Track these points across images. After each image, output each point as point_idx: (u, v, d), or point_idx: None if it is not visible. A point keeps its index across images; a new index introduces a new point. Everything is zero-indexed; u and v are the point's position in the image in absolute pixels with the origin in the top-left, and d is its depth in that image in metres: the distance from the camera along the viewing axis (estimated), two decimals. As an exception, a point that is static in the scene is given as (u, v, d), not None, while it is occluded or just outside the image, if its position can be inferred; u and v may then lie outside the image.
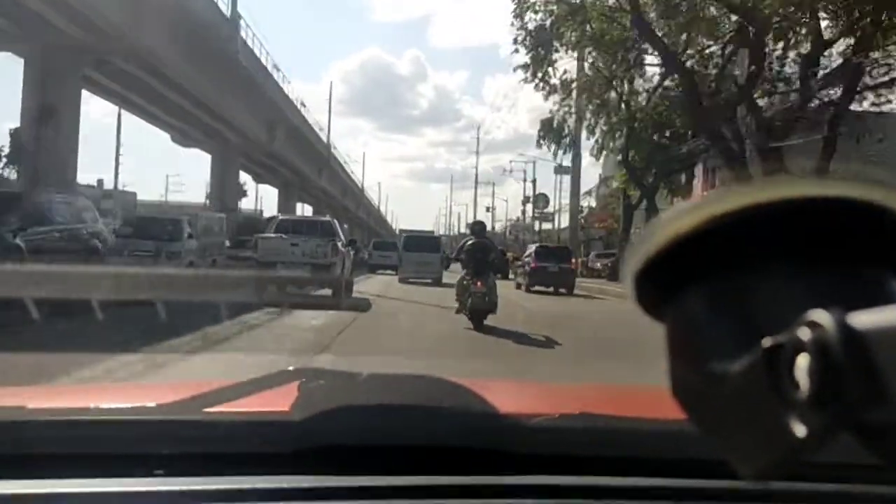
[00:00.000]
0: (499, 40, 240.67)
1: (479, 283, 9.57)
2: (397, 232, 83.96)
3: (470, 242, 10.43)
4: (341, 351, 6.98)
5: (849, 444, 0.33)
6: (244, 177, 44.37)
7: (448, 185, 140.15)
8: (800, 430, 0.32)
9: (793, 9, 14.75)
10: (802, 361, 0.32)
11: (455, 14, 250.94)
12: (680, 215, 0.38)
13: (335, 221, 16.50)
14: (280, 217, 17.72)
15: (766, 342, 0.33)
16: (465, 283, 9.87)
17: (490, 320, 9.59)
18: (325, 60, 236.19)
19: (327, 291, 13.53)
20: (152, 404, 0.94)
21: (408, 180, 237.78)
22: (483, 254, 10.11)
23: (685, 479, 0.85)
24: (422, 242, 26.10)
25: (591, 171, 55.32)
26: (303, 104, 41.84)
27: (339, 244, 14.26)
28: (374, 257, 32.03)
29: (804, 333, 0.32)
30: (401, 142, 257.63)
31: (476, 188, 65.93)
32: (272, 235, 14.58)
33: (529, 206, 49.44)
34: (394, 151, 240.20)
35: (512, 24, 21.53)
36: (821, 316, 0.32)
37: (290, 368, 1.01)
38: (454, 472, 0.83)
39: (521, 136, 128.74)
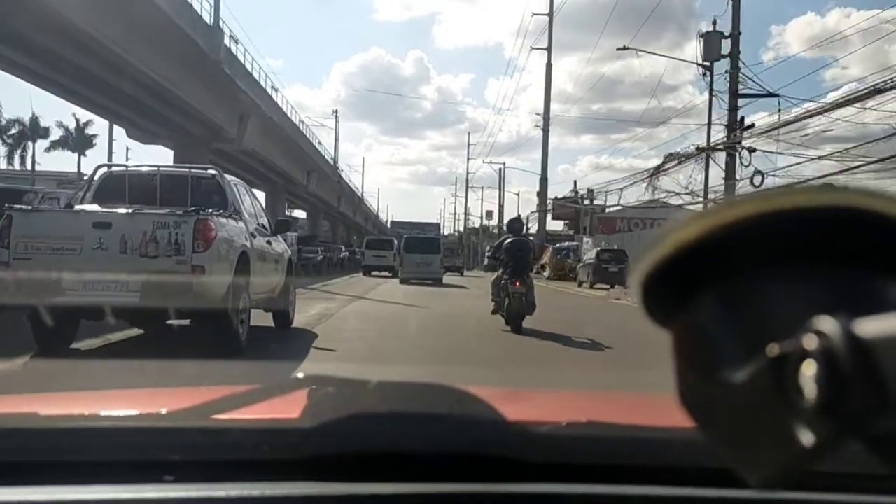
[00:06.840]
0: (503, 42, 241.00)
1: (517, 283, 9.56)
2: (389, 225, 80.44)
3: (509, 241, 10.32)
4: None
5: (856, 453, 0.33)
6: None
7: (448, 188, 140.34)
8: (807, 438, 0.32)
9: None
10: (808, 369, 0.32)
11: (459, 15, 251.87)
12: (686, 223, 0.39)
13: (228, 179, 7.69)
14: (108, 169, 7.98)
15: (772, 350, 0.34)
16: (502, 282, 9.84)
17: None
18: (326, 65, 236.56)
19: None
20: (162, 411, 0.94)
21: (410, 184, 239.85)
22: (522, 252, 10.11)
23: (692, 487, 0.85)
24: (422, 244, 25.50)
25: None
26: (274, 88, 36.34)
27: (231, 225, 6.83)
28: (367, 258, 29.65)
29: (810, 341, 0.32)
30: (403, 145, 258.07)
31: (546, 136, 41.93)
32: (49, 209, 7.29)
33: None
34: (396, 155, 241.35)
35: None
36: (826, 323, 0.32)
37: (300, 375, 1.02)
38: (463, 479, 0.83)
39: (523, 138, 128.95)
